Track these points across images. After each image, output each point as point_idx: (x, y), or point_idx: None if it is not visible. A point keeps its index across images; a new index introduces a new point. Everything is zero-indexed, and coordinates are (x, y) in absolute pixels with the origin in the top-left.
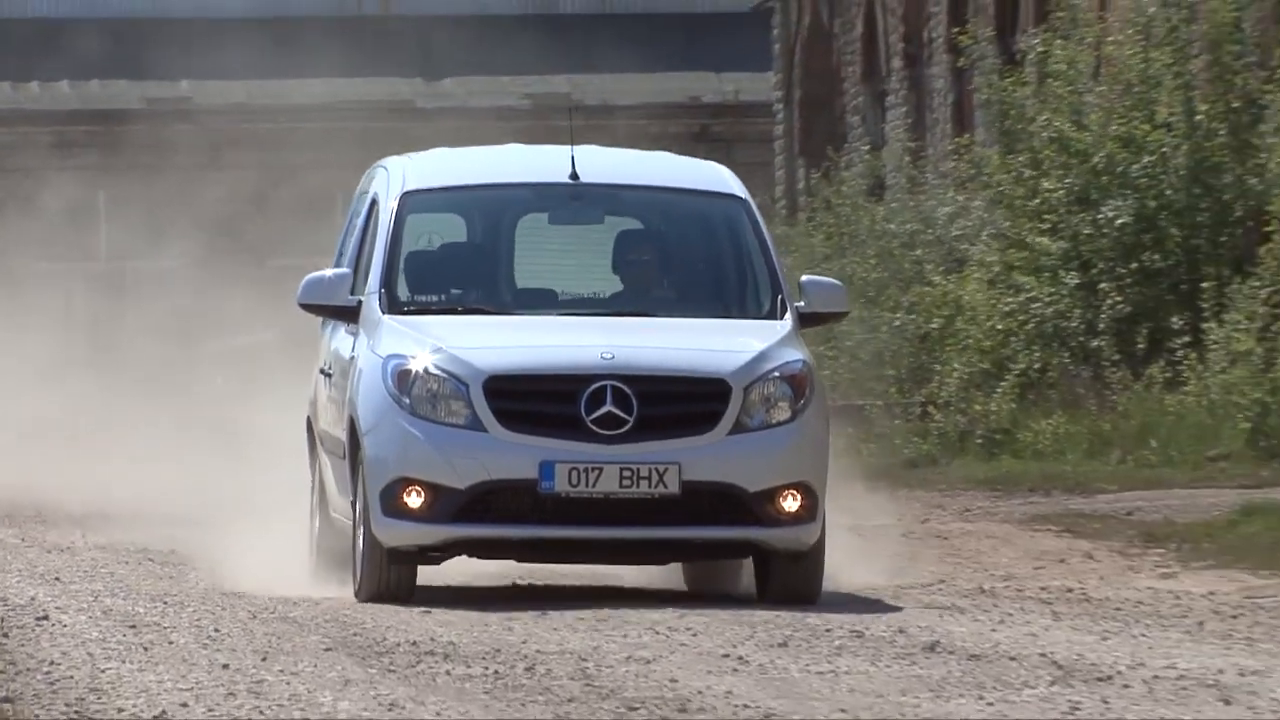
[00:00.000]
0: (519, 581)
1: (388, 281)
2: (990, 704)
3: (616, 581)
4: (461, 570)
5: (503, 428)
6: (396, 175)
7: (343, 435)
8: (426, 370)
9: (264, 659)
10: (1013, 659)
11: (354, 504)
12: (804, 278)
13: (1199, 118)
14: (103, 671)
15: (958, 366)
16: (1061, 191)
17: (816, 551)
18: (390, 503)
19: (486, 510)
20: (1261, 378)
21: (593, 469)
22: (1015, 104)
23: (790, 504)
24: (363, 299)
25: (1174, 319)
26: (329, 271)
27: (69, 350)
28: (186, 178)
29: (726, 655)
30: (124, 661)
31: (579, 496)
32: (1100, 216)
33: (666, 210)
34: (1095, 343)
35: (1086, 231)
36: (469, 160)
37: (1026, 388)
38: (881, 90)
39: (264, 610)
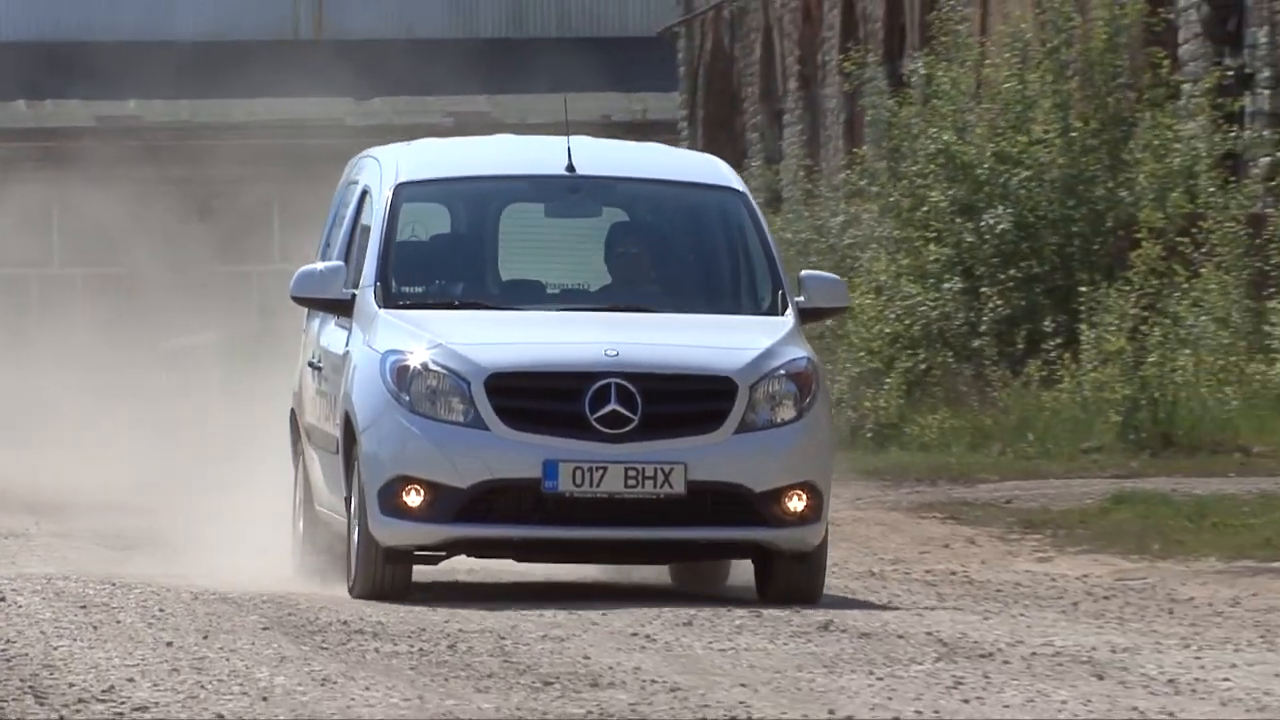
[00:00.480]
0: (460, 578)
1: (383, 275)
2: (880, 679)
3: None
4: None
5: (505, 426)
6: (389, 166)
7: (334, 430)
8: (426, 366)
9: (205, 637)
10: (900, 637)
11: (348, 500)
12: (804, 273)
13: (1074, 134)
14: (55, 649)
15: (849, 365)
16: (946, 202)
17: (819, 552)
18: (388, 501)
19: (488, 510)
20: (1131, 375)
21: (597, 468)
22: (901, 122)
23: (796, 504)
24: (357, 292)
25: (1050, 321)
26: (322, 265)
27: (28, 349)
28: (134, 190)
29: (635, 634)
30: (75, 640)
31: (583, 496)
32: (982, 225)
33: (664, 203)
34: (977, 343)
35: (969, 239)
36: (462, 151)
37: (913, 385)
38: (779, 109)
39: (205, 592)
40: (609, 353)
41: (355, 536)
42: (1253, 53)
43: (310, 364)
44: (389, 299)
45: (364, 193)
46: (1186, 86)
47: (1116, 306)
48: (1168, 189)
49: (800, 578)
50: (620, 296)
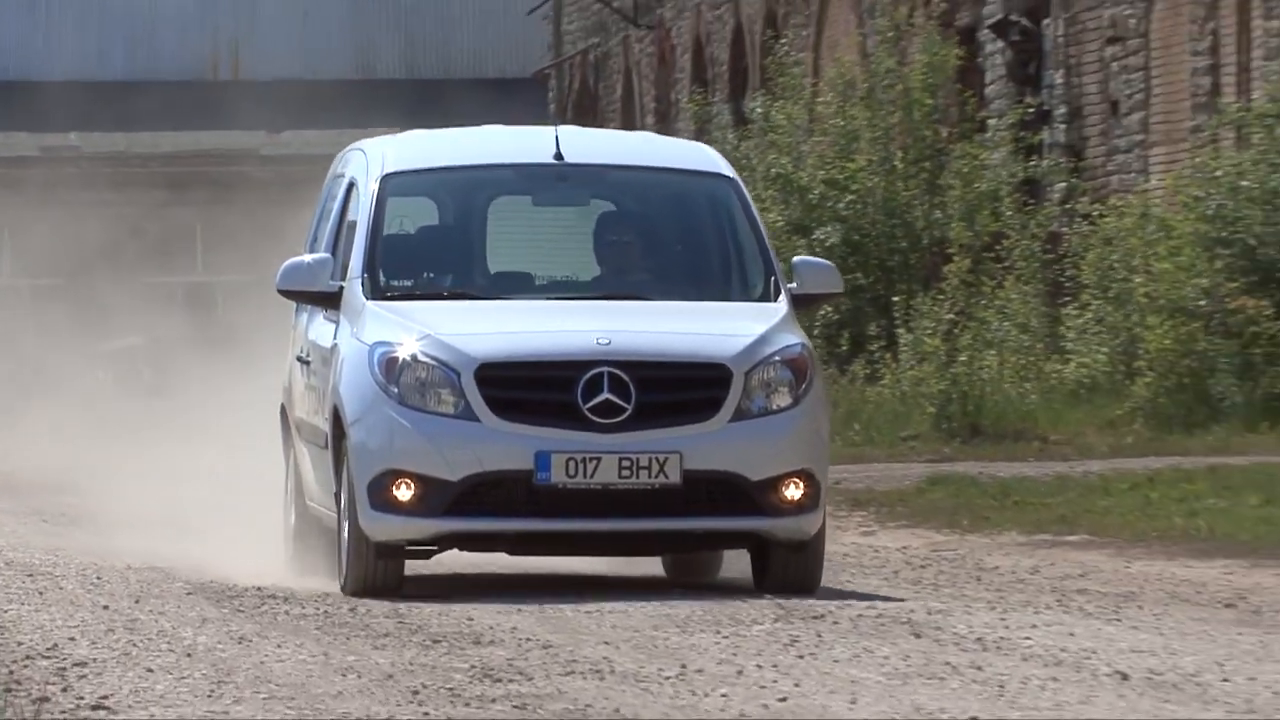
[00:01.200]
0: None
1: (370, 266)
2: (725, 637)
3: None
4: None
5: (496, 417)
6: (376, 158)
7: (323, 424)
8: (415, 358)
9: (137, 601)
10: (743, 601)
11: (338, 496)
12: (796, 259)
13: (895, 163)
14: (4, 612)
15: None
16: (782, 222)
17: (817, 541)
18: (378, 495)
19: (480, 503)
20: (944, 373)
21: (590, 459)
22: (741, 153)
23: (793, 492)
24: (344, 285)
25: (874, 325)
26: (308, 257)
27: None
28: (74, 212)
29: (513, 599)
30: (22, 604)
31: (576, 488)
32: (814, 241)
33: (654, 190)
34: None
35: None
36: (450, 141)
37: None
38: None
39: (137, 561)
40: (601, 341)
41: (345, 532)
42: (1050, 92)
43: (298, 358)
44: (377, 291)
45: (350, 185)
46: (992, 121)
47: (931, 313)
48: (975, 210)
49: (798, 567)
50: (611, 285)
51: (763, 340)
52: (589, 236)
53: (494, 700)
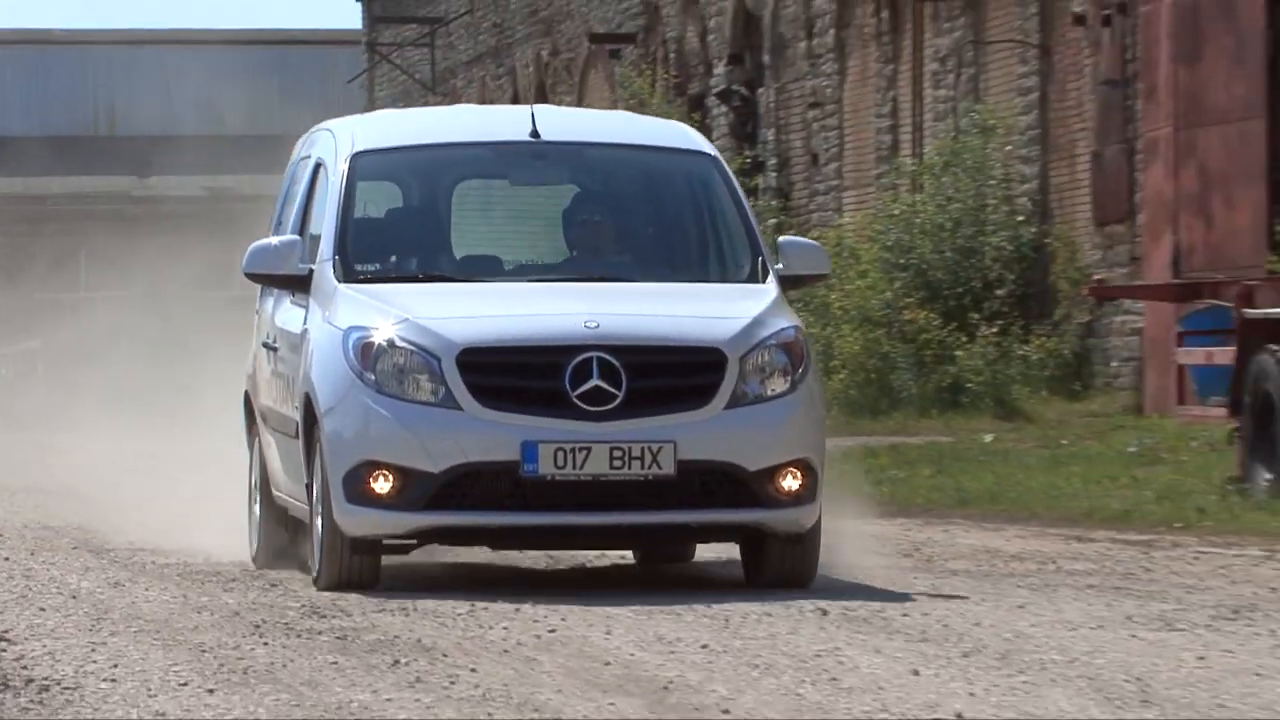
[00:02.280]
0: None
1: (341, 248)
2: (511, 582)
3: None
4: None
5: (479, 405)
6: (344, 137)
7: (292, 413)
8: (392, 343)
9: (32, 554)
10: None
11: (309, 487)
12: (782, 238)
13: None
14: None
15: None
16: None
17: (814, 533)
18: (355, 488)
19: (463, 496)
20: None
21: (580, 449)
22: None
23: (790, 483)
24: (313, 267)
25: None
26: (276, 239)
27: None
28: None
29: None
30: None
31: (565, 480)
32: None
33: (634, 168)
34: None
35: None
36: (421, 120)
37: None
38: None
39: (33, 522)
40: (589, 324)
41: (319, 526)
42: (764, 146)
43: (265, 344)
44: (349, 273)
45: (318, 166)
46: None
47: None
48: None
49: (794, 561)
50: (594, 266)
51: (757, 323)
52: (567, 216)
53: (320, 633)
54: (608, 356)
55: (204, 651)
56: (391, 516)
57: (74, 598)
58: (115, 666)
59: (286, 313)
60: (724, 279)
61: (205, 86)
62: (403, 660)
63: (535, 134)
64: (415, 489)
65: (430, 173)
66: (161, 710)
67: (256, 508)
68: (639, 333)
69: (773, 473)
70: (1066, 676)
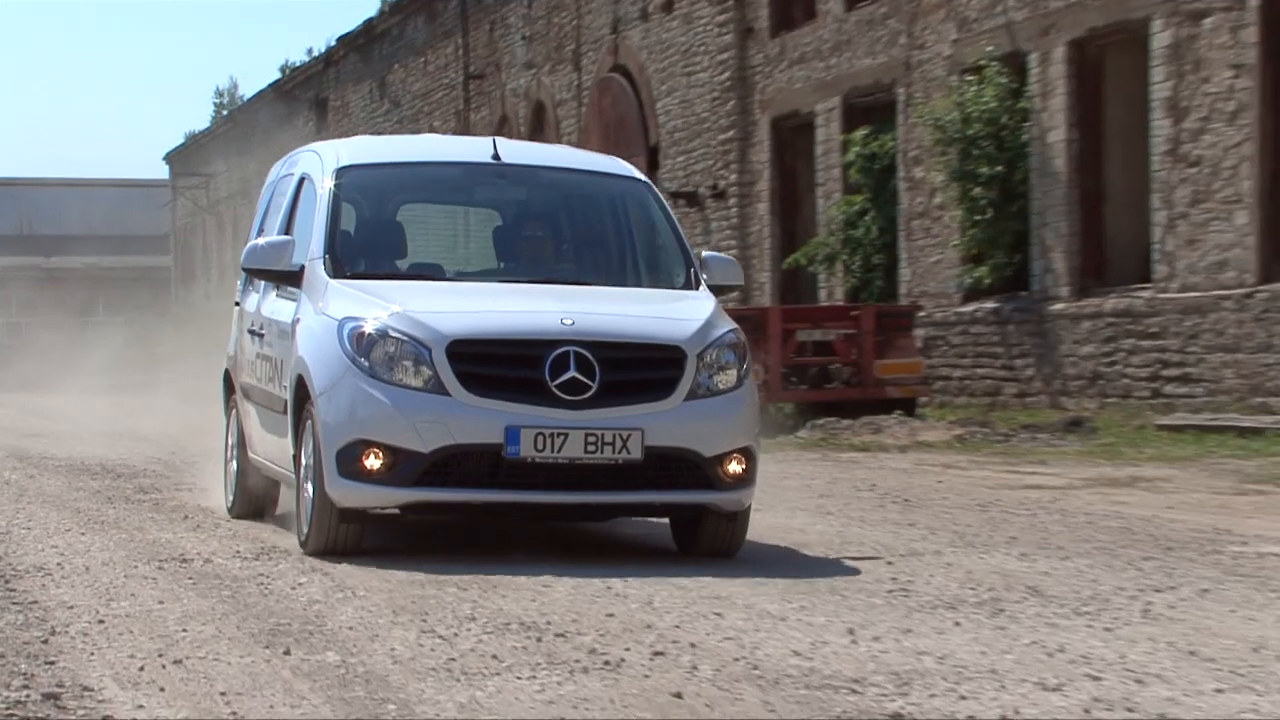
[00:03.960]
0: None
1: (331, 248)
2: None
3: None
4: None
5: (467, 392)
6: (329, 155)
7: (280, 392)
8: (386, 333)
9: None
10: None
11: (296, 458)
12: (706, 254)
13: None
14: None
15: None
16: None
17: (747, 510)
18: (348, 465)
19: (449, 474)
20: None
21: (558, 434)
22: None
23: (735, 467)
24: (305, 264)
25: None
26: (270, 239)
27: None
28: None
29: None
30: None
31: (544, 462)
32: None
33: (584, 189)
34: None
35: None
36: (397, 143)
37: None
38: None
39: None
40: (565, 321)
41: (309, 495)
42: None
43: (250, 331)
44: (338, 270)
45: (302, 180)
46: None
47: None
48: None
49: (728, 534)
50: (553, 271)
51: (708, 324)
52: (531, 228)
53: (143, 502)
54: (583, 351)
55: (78, 512)
56: (381, 491)
57: (6, 484)
58: (30, 520)
59: (273, 305)
60: (664, 286)
61: (86, 207)
62: (193, 519)
63: (496, 157)
64: (405, 466)
65: (406, 186)
66: (54, 545)
67: (233, 465)
68: (610, 330)
69: (723, 458)
70: None
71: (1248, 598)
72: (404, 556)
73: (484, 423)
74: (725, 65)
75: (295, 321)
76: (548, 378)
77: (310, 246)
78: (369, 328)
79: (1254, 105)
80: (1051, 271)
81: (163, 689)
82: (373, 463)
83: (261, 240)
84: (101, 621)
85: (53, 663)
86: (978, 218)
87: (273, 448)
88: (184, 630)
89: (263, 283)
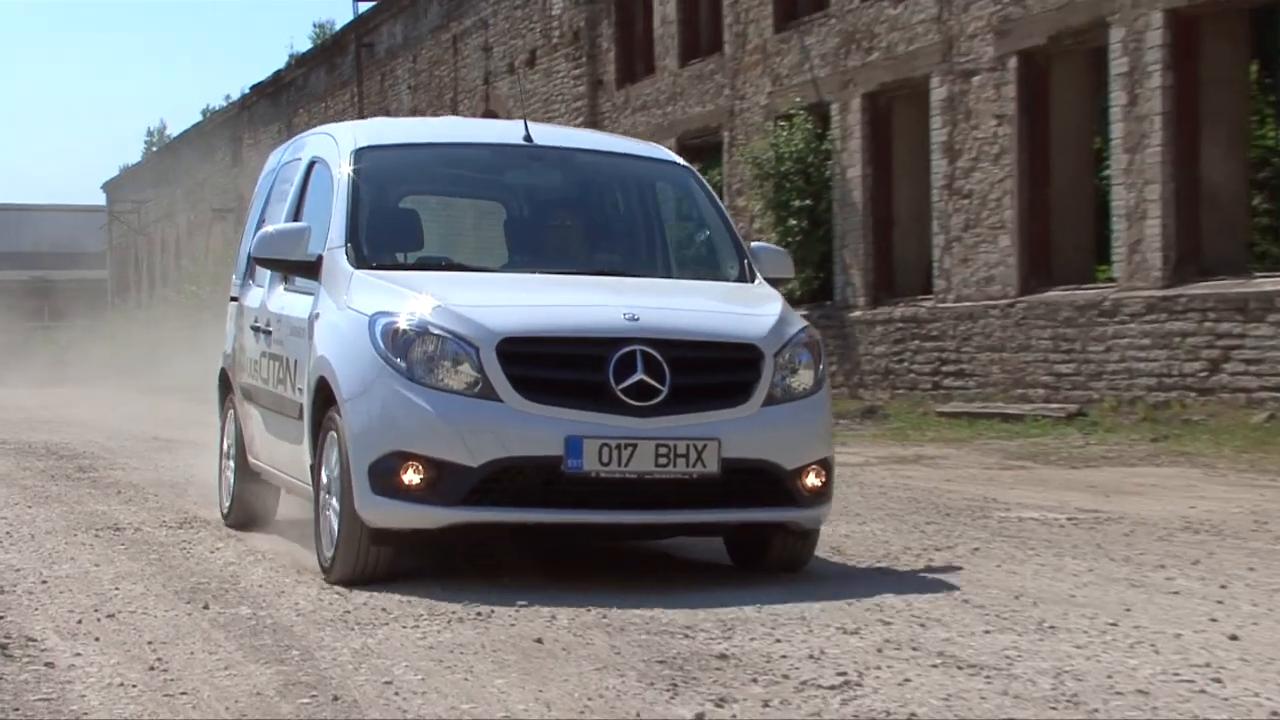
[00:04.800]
0: None
1: (353, 236)
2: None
3: None
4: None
5: (521, 397)
6: (345, 137)
7: (293, 395)
8: (426, 330)
9: None
10: None
11: (315, 469)
12: (755, 244)
13: None
14: None
15: None
16: None
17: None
18: (383, 480)
19: (501, 491)
20: None
21: (626, 445)
22: None
23: (814, 481)
24: (323, 254)
25: None
26: (285, 225)
27: None
28: None
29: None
30: None
31: (610, 477)
32: None
33: (622, 172)
34: None
35: None
36: (417, 125)
37: None
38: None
39: None
40: (628, 316)
41: (333, 514)
42: None
43: (254, 328)
44: (362, 260)
45: (312, 164)
46: None
47: None
48: None
49: (800, 550)
50: (600, 263)
51: (782, 321)
52: (567, 214)
53: (82, 480)
54: (651, 350)
55: (25, 489)
56: (422, 510)
57: None
58: None
59: (282, 299)
60: (718, 279)
61: (35, 228)
62: (129, 495)
63: (528, 138)
64: (450, 482)
65: (432, 169)
66: (4, 516)
67: (229, 471)
68: (679, 327)
69: (802, 471)
70: None
71: (1010, 554)
72: (307, 526)
73: (541, 432)
74: (579, 111)
75: (313, 317)
76: (612, 381)
77: (329, 235)
78: (404, 324)
79: (1013, 148)
80: (851, 285)
81: (98, 639)
82: (411, 478)
83: (273, 227)
84: (44, 582)
85: (1, 618)
86: (790, 240)
87: (282, 455)
88: (117, 589)
89: (268, 276)
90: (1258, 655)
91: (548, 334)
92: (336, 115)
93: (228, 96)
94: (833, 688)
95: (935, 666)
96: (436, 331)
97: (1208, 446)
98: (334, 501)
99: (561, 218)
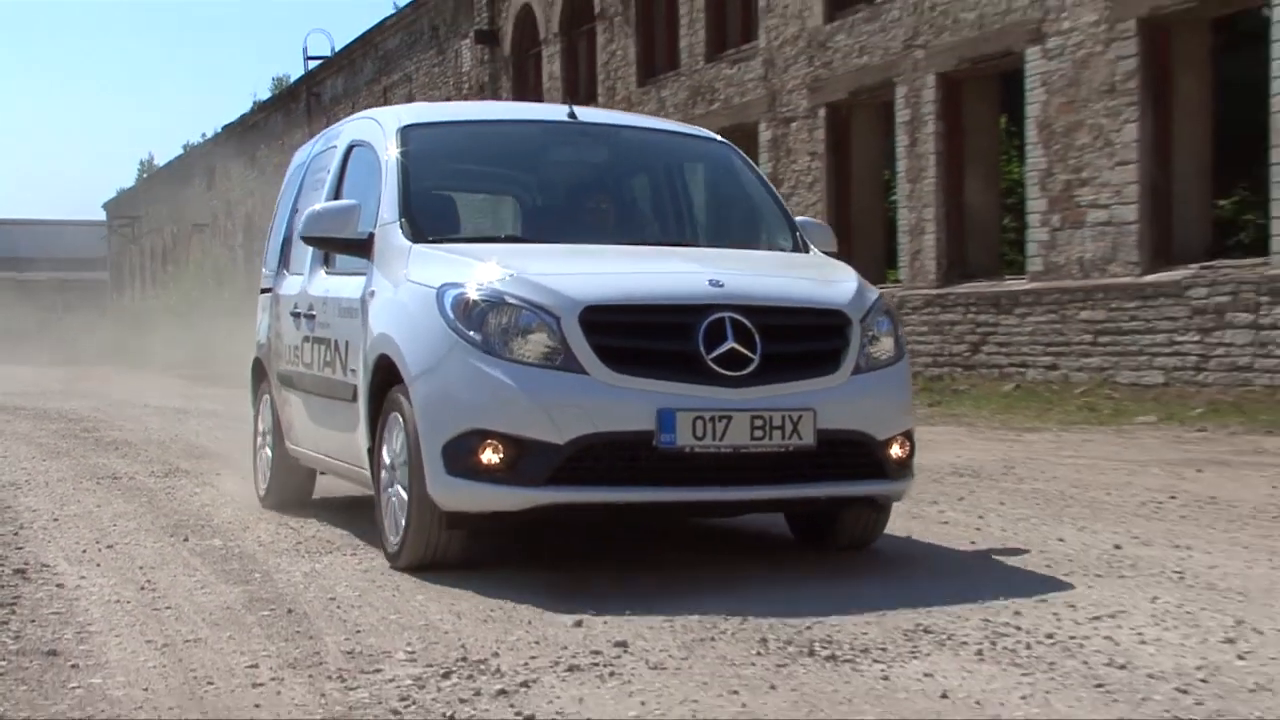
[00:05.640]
0: None
1: (407, 211)
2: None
3: None
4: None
5: (608, 369)
6: (387, 118)
7: (342, 376)
8: (501, 299)
9: None
10: None
11: (374, 453)
12: (799, 218)
13: None
14: None
15: None
16: None
17: None
18: (460, 460)
19: (589, 469)
20: None
21: (720, 417)
22: None
23: (898, 451)
24: (374, 231)
25: None
26: (334, 202)
27: None
28: None
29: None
30: None
31: (704, 451)
32: None
33: (668, 148)
34: None
35: None
36: (462, 106)
37: None
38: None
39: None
40: (713, 282)
41: (397, 498)
42: None
43: (294, 314)
44: (418, 235)
45: (351, 148)
46: None
47: None
48: None
49: (873, 524)
50: (661, 234)
51: (863, 286)
52: (620, 187)
53: (86, 440)
54: (740, 317)
55: (41, 445)
56: (505, 491)
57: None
58: (5, 452)
59: (326, 283)
60: (778, 249)
61: (50, 238)
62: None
63: (573, 116)
64: (534, 461)
65: (481, 144)
66: (24, 468)
67: (265, 454)
68: (767, 293)
69: (890, 442)
70: None
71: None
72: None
73: (632, 406)
74: None
75: (368, 295)
76: (702, 350)
77: (380, 212)
78: (477, 294)
79: (823, 179)
80: None
81: (98, 565)
82: (491, 457)
83: (320, 206)
84: (56, 520)
85: (21, 548)
86: None
87: (330, 441)
88: (114, 525)
89: (307, 261)
90: (1006, 564)
91: (633, 302)
92: (290, 150)
93: (204, 134)
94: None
95: None
96: (513, 301)
97: (970, 410)
98: (398, 485)
99: (615, 191)
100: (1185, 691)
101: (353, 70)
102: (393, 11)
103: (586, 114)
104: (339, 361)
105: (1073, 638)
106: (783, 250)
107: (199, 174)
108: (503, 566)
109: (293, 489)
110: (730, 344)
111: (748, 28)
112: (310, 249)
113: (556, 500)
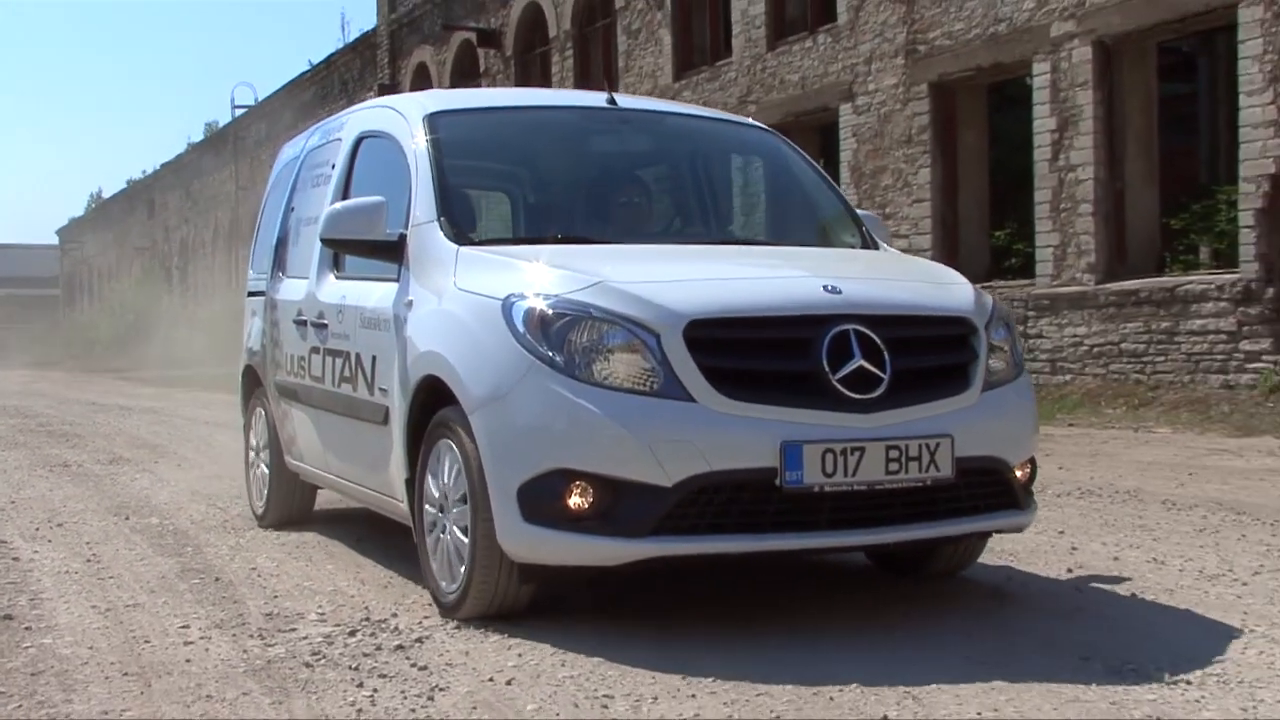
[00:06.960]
0: None
1: (446, 209)
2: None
3: None
4: None
5: (720, 395)
6: (409, 105)
7: (368, 395)
8: (587, 313)
9: None
10: None
11: (414, 484)
12: (859, 212)
13: None
14: None
15: None
16: None
17: None
18: (540, 505)
19: (701, 516)
20: None
21: (853, 449)
22: None
23: (1022, 476)
24: (406, 232)
25: None
26: (356, 200)
27: None
28: None
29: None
30: None
31: (836, 490)
32: None
33: (715, 137)
34: None
35: None
36: (491, 92)
37: None
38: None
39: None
40: (829, 289)
41: (452, 540)
42: None
43: (298, 321)
44: (462, 236)
45: (360, 141)
46: None
47: None
48: None
49: (969, 553)
50: (734, 231)
51: (978, 290)
52: (676, 180)
53: (72, 436)
54: (865, 329)
55: (34, 452)
56: (596, 543)
57: None
58: None
59: (339, 288)
60: (851, 246)
61: (8, 259)
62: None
63: (612, 101)
64: (634, 507)
65: (518, 133)
66: (17, 466)
67: (261, 470)
68: (890, 300)
69: (1019, 468)
70: None
71: None
72: (209, 462)
73: (751, 439)
74: None
75: (406, 304)
76: (826, 368)
77: (412, 211)
78: (553, 306)
79: None
80: None
81: (50, 541)
82: (579, 502)
83: (341, 204)
84: (13, 502)
85: None
86: None
87: (348, 464)
88: (64, 506)
89: (313, 265)
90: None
91: (744, 314)
92: (218, 184)
93: (144, 170)
94: None
95: None
96: (599, 315)
97: None
98: (452, 526)
99: (672, 184)
100: None
101: (273, 118)
102: (308, 68)
103: (625, 101)
104: (362, 378)
105: None
106: (853, 247)
107: (140, 205)
108: (406, 539)
109: (294, 507)
110: (859, 361)
111: (615, 85)
112: (315, 250)
113: (664, 553)
